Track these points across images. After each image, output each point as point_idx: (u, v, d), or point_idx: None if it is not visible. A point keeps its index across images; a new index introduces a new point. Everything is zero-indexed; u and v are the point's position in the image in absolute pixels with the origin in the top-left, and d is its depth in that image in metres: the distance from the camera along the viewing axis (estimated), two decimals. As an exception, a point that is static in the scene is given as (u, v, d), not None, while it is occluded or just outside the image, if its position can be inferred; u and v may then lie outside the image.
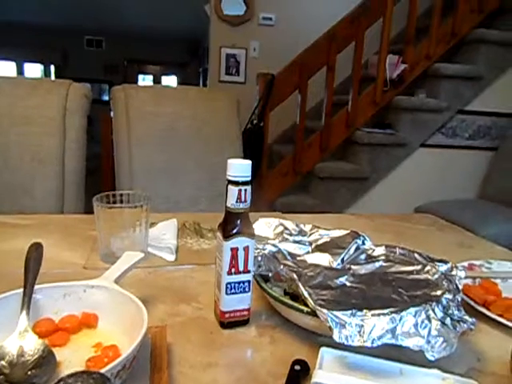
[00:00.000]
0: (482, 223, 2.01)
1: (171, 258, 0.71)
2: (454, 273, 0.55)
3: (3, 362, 0.37)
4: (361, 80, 2.41)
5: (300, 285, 0.49)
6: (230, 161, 0.47)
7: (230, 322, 0.50)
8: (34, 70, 7.27)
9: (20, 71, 7.14)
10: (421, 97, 2.51)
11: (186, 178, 1.27)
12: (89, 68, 7.15)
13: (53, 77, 7.14)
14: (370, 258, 0.63)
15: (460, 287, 0.51)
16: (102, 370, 0.32)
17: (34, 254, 0.50)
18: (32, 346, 0.39)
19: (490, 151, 2.65)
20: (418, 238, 0.93)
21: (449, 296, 0.48)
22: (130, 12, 5.71)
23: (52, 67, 7.32)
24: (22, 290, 0.44)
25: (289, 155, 2.44)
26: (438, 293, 0.50)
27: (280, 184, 2.41)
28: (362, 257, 0.63)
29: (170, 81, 8.02)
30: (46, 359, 0.38)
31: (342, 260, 0.62)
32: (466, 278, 0.64)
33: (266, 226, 0.68)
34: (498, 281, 0.66)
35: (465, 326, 0.45)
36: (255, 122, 2.26)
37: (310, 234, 0.69)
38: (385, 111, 2.51)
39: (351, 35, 2.35)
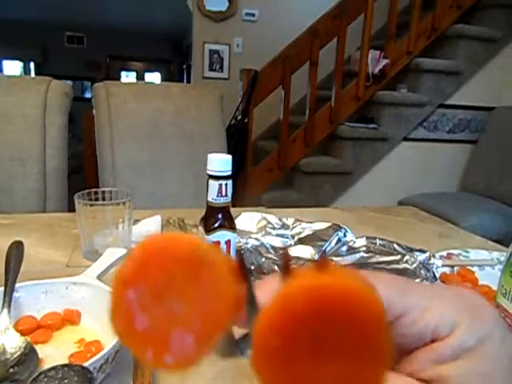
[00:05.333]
0: (463, 215, 2.06)
1: (155, 254, 0.71)
2: (431, 262, 0.57)
3: (-16, 360, 0.36)
4: (343, 75, 2.43)
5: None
6: (210, 155, 0.47)
7: (214, 315, 0.51)
8: (13, 67, 7.11)
9: (-2, 69, 6.98)
10: (402, 91, 2.54)
11: (169, 174, 1.27)
12: (70, 65, 7.03)
13: (33, 74, 6.99)
14: (351, 250, 0.64)
15: (437, 275, 0.53)
16: (85, 364, 0.32)
17: (15, 252, 0.50)
18: (14, 343, 0.39)
19: (470, 144, 2.71)
20: (400, 230, 0.95)
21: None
22: (111, 7, 5.63)
23: (32, 64, 7.17)
24: (2, 288, 0.44)
25: (273, 151, 2.45)
26: (416, 281, 0.51)
27: (265, 180, 2.42)
28: (344, 248, 0.65)
29: (154, 77, 7.94)
30: (28, 356, 0.37)
31: (324, 252, 0.64)
32: (444, 266, 0.66)
33: (248, 220, 0.69)
34: (475, 269, 0.68)
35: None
36: (239, 117, 2.26)
37: (293, 228, 0.70)
38: (367, 106, 2.54)
39: (334, 31, 2.36)
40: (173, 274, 0.12)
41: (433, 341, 0.17)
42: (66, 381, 0.25)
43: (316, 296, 0.12)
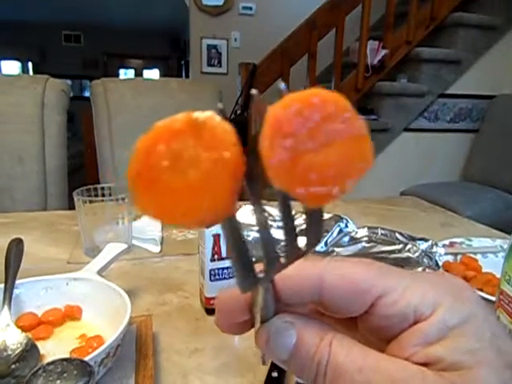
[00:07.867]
0: (465, 204, 2.05)
1: (156, 249, 0.71)
2: (434, 250, 0.57)
3: (-14, 357, 0.36)
4: (342, 67, 2.41)
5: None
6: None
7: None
8: (11, 67, 7.10)
9: (-4, 69, 6.97)
10: (402, 82, 2.52)
11: (170, 170, 1.26)
12: (68, 64, 7.00)
13: (31, 74, 6.98)
14: (353, 240, 0.63)
15: (440, 263, 0.53)
16: (86, 358, 0.32)
17: (15, 250, 0.50)
18: (15, 339, 0.38)
19: (472, 133, 2.69)
20: (402, 220, 0.94)
21: (429, 272, 0.49)
22: (107, 5, 5.60)
23: (30, 64, 7.15)
24: (2, 285, 0.44)
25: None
26: (419, 269, 0.51)
27: (266, 174, 2.41)
28: (346, 239, 0.64)
29: (152, 74, 7.91)
30: (30, 352, 0.37)
31: (326, 243, 0.63)
32: (446, 254, 0.65)
33: (249, 212, 0.68)
34: (478, 256, 0.68)
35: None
36: (239, 112, 2.25)
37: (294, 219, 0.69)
38: (367, 97, 2.52)
39: (331, 22, 2.34)
40: (177, 145, 0.14)
41: (415, 322, 0.17)
42: (65, 374, 0.25)
43: (301, 99, 0.14)
